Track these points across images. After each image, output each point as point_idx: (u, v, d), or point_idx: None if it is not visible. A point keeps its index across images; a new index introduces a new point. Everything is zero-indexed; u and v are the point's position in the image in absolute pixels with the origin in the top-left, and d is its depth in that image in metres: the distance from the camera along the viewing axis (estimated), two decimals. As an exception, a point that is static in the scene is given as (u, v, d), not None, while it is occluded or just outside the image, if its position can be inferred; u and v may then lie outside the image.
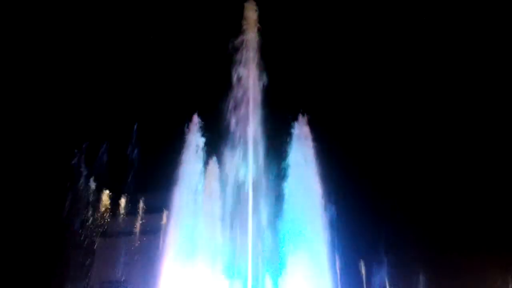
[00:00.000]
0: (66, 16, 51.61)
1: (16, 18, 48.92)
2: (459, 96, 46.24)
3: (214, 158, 25.74)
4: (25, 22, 50.05)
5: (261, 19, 28.04)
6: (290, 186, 24.40)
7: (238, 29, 27.46)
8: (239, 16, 28.22)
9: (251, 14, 27.84)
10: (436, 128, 45.45)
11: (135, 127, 34.45)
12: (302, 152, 25.31)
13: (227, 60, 26.77)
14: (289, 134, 25.89)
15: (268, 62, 26.91)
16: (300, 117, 26.76)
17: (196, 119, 26.62)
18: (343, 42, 50.00)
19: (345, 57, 50.08)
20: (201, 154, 26.05)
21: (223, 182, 25.30)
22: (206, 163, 25.62)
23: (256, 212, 23.58)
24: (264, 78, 26.29)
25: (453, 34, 50.02)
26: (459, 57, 48.39)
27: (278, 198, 24.51)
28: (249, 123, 25.26)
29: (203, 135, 26.13)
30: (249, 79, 26.13)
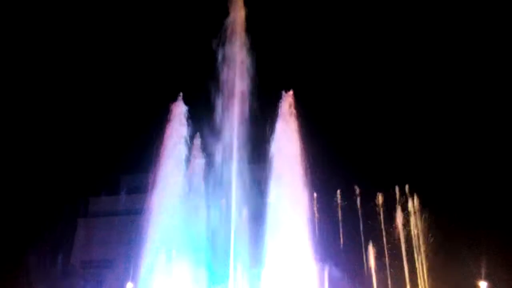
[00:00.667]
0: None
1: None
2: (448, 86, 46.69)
3: (198, 140, 25.65)
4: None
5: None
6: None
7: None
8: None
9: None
10: (432, 117, 45.68)
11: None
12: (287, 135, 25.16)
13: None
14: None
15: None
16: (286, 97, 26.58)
17: (180, 99, 26.29)
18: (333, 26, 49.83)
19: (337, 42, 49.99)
20: (185, 133, 25.87)
21: (207, 163, 25.33)
22: (190, 144, 25.50)
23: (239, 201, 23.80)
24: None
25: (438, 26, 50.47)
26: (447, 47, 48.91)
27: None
28: (234, 111, 25.27)
29: (188, 118, 25.90)
30: (235, 61, 26.07)
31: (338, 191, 32.77)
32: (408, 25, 50.05)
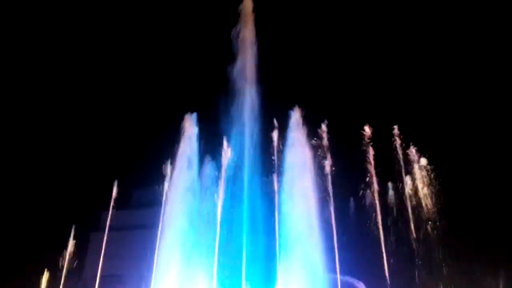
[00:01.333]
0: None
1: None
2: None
3: (209, 155, 25.84)
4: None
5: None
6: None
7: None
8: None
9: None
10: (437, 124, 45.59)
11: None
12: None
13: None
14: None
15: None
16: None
17: (192, 115, 26.58)
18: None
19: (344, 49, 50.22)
20: (196, 148, 26.07)
21: (218, 178, 25.44)
22: (201, 160, 25.68)
23: (251, 214, 23.82)
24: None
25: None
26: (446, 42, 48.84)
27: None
28: (245, 125, 25.48)
29: (199, 132, 26.13)
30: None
31: (352, 200, 32.55)
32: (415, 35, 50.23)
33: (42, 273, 34.71)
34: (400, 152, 30.15)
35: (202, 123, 26.29)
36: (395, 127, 31.69)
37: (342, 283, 24.19)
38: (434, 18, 50.87)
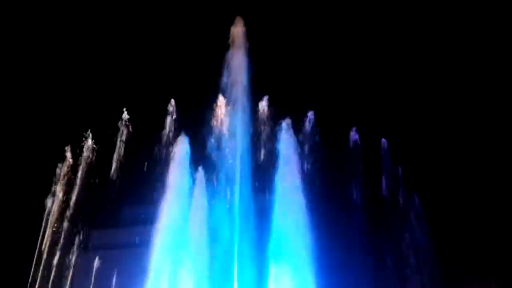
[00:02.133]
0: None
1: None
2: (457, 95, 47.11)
3: (201, 171, 25.76)
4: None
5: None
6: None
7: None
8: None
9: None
10: (438, 128, 45.96)
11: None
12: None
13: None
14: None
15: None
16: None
17: (183, 136, 26.70)
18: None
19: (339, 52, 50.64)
20: (188, 164, 26.05)
21: (210, 194, 25.37)
22: (193, 177, 25.61)
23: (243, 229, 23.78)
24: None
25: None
26: (453, 54, 49.57)
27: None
28: (236, 135, 25.58)
29: (190, 148, 26.15)
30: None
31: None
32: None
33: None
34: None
35: (192, 134, 26.37)
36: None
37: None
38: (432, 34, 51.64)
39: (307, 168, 26.31)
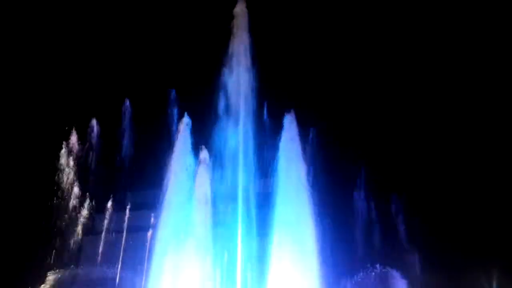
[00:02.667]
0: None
1: None
2: (456, 96, 46.65)
3: (205, 157, 25.66)
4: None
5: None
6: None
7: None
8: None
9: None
10: (437, 129, 45.67)
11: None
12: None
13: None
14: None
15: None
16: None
17: (186, 118, 26.46)
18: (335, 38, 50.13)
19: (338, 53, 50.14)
20: (190, 148, 25.98)
21: (213, 181, 25.33)
22: (196, 159, 25.54)
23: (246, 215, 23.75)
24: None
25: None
26: (450, 55, 49.00)
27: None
28: (240, 124, 25.41)
29: (193, 134, 26.04)
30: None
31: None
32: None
33: (38, 280, 34.35)
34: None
35: (195, 120, 26.20)
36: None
37: (378, 274, 24.41)
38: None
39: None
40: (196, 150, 25.74)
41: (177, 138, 25.74)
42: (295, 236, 22.68)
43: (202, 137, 25.93)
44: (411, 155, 41.50)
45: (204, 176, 24.67)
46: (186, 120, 26.15)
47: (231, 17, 28.46)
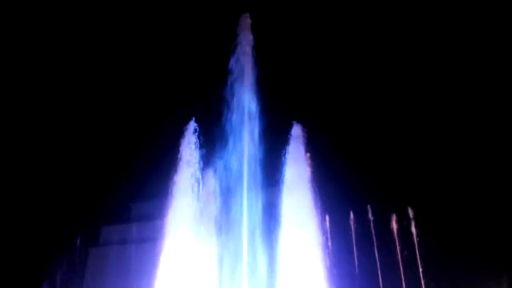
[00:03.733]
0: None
1: None
2: (455, 96, 46.61)
3: (210, 165, 25.66)
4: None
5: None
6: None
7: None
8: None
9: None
10: (436, 130, 45.62)
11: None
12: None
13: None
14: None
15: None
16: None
17: (192, 125, 26.35)
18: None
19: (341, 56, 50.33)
20: (196, 160, 25.87)
21: (219, 190, 25.27)
22: (202, 172, 25.50)
23: (249, 223, 23.70)
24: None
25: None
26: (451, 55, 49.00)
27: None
28: (244, 132, 25.42)
29: (199, 143, 25.93)
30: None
31: (351, 213, 32.84)
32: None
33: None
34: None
35: (201, 131, 26.16)
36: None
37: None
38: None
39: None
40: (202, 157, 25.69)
41: (182, 143, 25.69)
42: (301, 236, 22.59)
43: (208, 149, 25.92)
44: (416, 165, 41.43)
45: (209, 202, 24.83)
46: (192, 126, 26.07)
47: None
